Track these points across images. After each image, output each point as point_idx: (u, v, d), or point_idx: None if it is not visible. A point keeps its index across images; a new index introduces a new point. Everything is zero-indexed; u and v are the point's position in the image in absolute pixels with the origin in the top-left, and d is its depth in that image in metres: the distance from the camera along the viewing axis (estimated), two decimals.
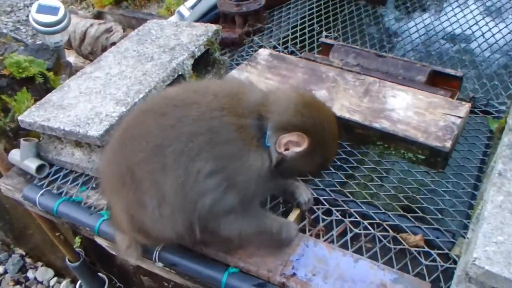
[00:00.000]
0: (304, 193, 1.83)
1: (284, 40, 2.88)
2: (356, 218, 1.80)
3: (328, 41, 2.64)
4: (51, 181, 2.08)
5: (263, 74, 2.34)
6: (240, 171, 1.40)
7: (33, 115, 2.04)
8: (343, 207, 1.84)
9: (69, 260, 2.60)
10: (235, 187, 1.41)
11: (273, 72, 2.35)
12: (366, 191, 1.90)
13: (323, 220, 1.82)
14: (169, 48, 2.36)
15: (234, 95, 1.46)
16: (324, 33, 2.86)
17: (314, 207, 1.85)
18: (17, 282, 3.18)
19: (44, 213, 2.09)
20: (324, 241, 1.74)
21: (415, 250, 1.68)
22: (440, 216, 1.79)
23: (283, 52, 2.72)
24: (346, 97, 2.17)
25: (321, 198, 1.87)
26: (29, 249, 3.40)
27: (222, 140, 1.38)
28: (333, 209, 1.84)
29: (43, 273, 3.24)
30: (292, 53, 2.73)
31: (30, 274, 3.23)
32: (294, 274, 1.60)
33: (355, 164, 2.04)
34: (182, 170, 1.37)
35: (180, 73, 2.26)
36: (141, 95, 2.05)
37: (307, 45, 2.81)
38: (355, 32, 3.00)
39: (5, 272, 3.24)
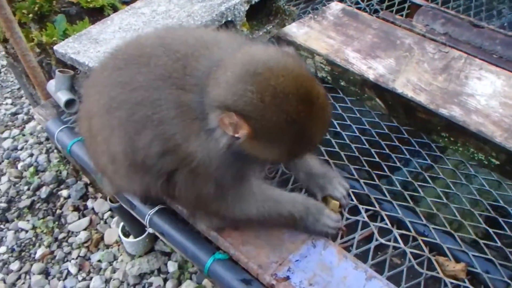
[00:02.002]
0: (340, 187, 1.50)
1: None
2: (386, 224, 1.44)
3: (418, 1, 2.17)
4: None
5: (325, 31, 1.98)
6: (190, 157, 1.16)
7: (67, 46, 1.91)
8: (375, 207, 1.48)
9: (110, 200, 2.53)
10: (197, 172, 1.19)
11: (338, 31, 1.98)
12: (409, 193, 1.51)
13: (347, 218, 1.48)
14: None
15: (187, 58, 1.18)
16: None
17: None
18: (76, 209, 3.23)
19: None
20: (340, 244, 1.41)
21: (452, 283, 1.30)
22: (499, 244, 1.37)
23: (364, 10, 2.30)
24: (416, 71, 1.75)
25: (350, 190, 1.52)
26: (93, 179, 3.44)
27: (164, 118, 1.15)
28: (361, 207, 1.49)
29: (100, 205, 3.26)
30: (375, 12, 2.29)
31: (89, 203, 3.26)
32: (287, 278, 1.31)
33: (407, 156, 1.64)
34: (128, 140, 1.22)
35: (229, 18, 1.98)
36: None
37: (396, 5, 2.34)
38: None
39: (69, 196, 3.31)
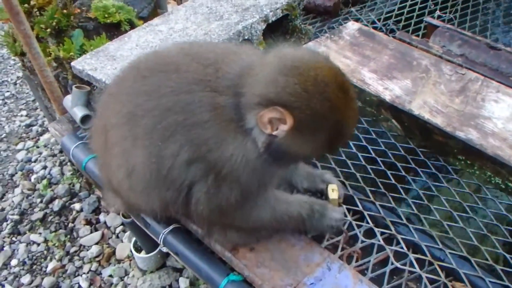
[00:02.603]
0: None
1: (387, 16, 2.44)
2: (402, 248, 1.42)
3: (434, 21, 2.17)
4: None
5: (342, 51, 1.98)
6: (221, 163, 1.15)
7: (84, 62, 1.93)
8: (390, 230, 1.47)
9: (123, 215, 2.53)
10: (225, 180, 1.17)
11: (354, 51, 1.98)
12: (425, 216, 1.50)
13: (362, 241, 1.47)
14: (243, 8, 2.09)
15: (217, 63, 1.19)
16: (438, 12, 2.36)
17: (354, 223, 1.50)
18: (88, 222, 3.23)
19: None
20: (355, 267, 1.40)
21: None
22: None
23: (380, 29, 2.30)
24: (433, 93, 1.74)
25: (366, 212, 1.51)
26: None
27: (197, 122, 1.14)
28: (377, 230, 1.48)
29: (112, 219, 3.26)
30: (391, 31, 2.29)
31: (102, 217, 3.26)
32: None
33: (423, 178, 1.63)
34: (154, 149, 1.19)
35: (246, 37, 1.99)
36: None
37: (412, 25, 2.34)
38: (476, 16, 2.44)
39: (81, 210, 3.32)
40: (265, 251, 1.41)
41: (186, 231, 1.54)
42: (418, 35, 2.24)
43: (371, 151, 1.71)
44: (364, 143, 1.74)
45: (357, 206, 1.53)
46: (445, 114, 1.66)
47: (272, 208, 1.34)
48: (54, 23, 2.50)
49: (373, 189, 1.57)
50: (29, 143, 3.80)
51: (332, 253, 1.43)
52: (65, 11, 2.54)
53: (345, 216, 1.49)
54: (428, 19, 2.21)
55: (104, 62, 1.90)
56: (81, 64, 1.91)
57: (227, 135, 1.13)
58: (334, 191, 1.49)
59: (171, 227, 1.53)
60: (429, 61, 1.89)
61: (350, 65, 1.91)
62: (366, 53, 1.96)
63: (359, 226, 1.50)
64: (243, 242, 1.41)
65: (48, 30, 2.51)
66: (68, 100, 2.04)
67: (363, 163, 1.67)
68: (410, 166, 1.66)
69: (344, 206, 1.52)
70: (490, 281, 1.31)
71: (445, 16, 2.34)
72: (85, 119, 1.96)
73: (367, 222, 1.50)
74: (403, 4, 2.51)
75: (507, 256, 1.39)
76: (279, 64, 1.09)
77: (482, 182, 1.59)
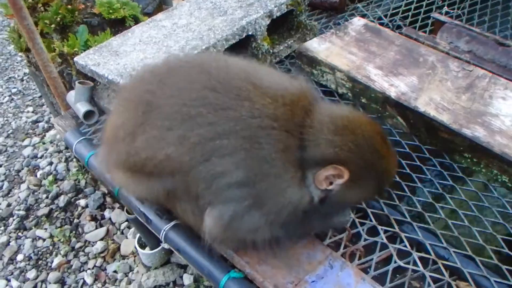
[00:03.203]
0: None
1: (394, 11, 2.41)
2: (405, 246, 1.40)
3: (442, 17, 2.14)
4: (98, 129, 1.96)
5: (347, 47, 1.96)
6: (273, 196, 1.18)
7: (87, 57, 1.92)
8: (394, 228, 1.45)
9: (127, 211, 2.53)
10: (262, 208, 1.20)
11: (360, 47, 1.95)
12: (430, 214, 1.48)
13: (365, 239, 1.45)
14: (248, 3, 2.07)
15: (295, 103, 1.20)
16: (445, 8, 2.33)
17: (357, 220, 1.49)
18: (94, 218, 3.24)
19: None
20: (358, 265, 1.38)
21: None
22: None
23: (387, 25, 2.27)
24: (439, 89, 1.71)
25: (369, 210, 1.50)
26: (110, 190, 3.46)
27: (262, 156, 1.14)
28: (380, 228, 1.46)
29: (117, 215, 3.26)
30: (398, 28, 2.26)
31: (107, 213, 3.27)
32: None
33: (428, 176, 1.60)
34: (202, 159, 1.15)
35: (250, 33, 1.97)
36: (195, 52, 1.82)
37: (419, 21, 2.31)
38: (485, 12, 2.41)
39: (86, 206, 3.32)
40: (268, 249, 1.39)
41: (188, 227, 1.53)
42: (425, 31, 2.20)
43: None
44: None
45: (360, 204, 1.50)
46: (451, 111, 1.63)
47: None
48: (58, 19, 2.50)
49: None
50: (35, 139, 3.81)
51: (335, 251, 1.41)
52: (69, 6, 2.54)
53: (350, 215, 1.48)
54: (435, 15, 2.18)
55: (107, 57, 1.89)
56: (84, 60, 1.91)
57: (291, 178, 1.17)
58: None
59: (172, 223, 1.52)
60: (436, 58, 1.86)
61: (356, 61, 1.88)
62: (372, 49, 1.94)
63: (362, 224, 1.48)
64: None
65: (53, 25, 2.51)
66: (71, 96, 2.03)
67: None
68: (415, 163, 1.63)
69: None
70: (495, 281, 1.29)
71: (453, 12, 2.31)
72: (88, 114, 1.96)
73: (370, 220, 1.48)
74: (410, 0, 2.48)
75: None
76: (331, 125, 1.17)
77: (489, 181, 1.57)
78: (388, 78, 1.78)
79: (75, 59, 1.94)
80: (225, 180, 1.16)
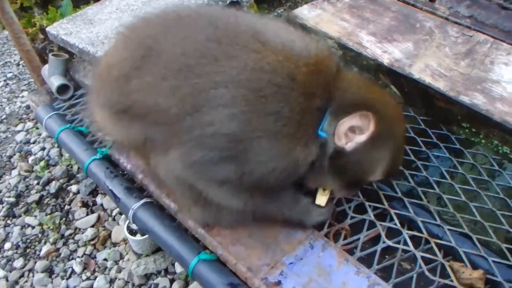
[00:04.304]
0: None
1: None
2: (395, 224, 1.26)
3: None
4: (72, 104, 1.84)
5: (339, 14, 1.81)
6: (266, 158, 1.06)
7: (59, 27, 1.81)
8: (383, 204, 1.31)
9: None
10: (244, 164, 1.07)
11: (353, 13, 1.81)
12: (422, 189, 1.33)
13: (352, 217, 1.32)
14: None
15: (319, 65, 1.08)
16: None
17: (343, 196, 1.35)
18: (85, 205, 3.12)
19: None
20: (343, 246, 1.25)
21: None
22: None
23: None
24: (436, 55, 1.57)
25: None
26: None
27: (269, 109, 1.02)
28: (368, 204, 1.32)
29: (109, 201, 3.14)
30: None
31: (99, 199, 3.15)
32: (278, 283, 1.16)
33: (422, 148, 1.46)
34: (192, 110, 1.04)
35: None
36: None
37: None
38: None
39: (78, 191, 3.22)
40: (243, 227, 1.27)
41: (158, 207, 1.41)
42: None
43: None
44: None
45: (368, 182, 1.36)
46: (448, 78, 1.48)
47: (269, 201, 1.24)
48: None
49: None
50: (29, 124, 3.70)
51: (318, 230, 1.28)
52: None
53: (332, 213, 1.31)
54: None
55: (81, 26, 1.77)
56: (56, 29, 1.79)
57: (302, 138, 1.07)
58: (323, 196, 1.29)
59: (141, 202, 1.40)
60: (434, 23, 1.71)
61: (347, 28, 1.74)
62: (366, 16, 1.79)
63: (349, 201, 1.35)
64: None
65: None
66: (46, 70, 1.91)
67: None
68: (409, 135, 1.49)
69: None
70: (493, 261, 1.15)
71: None
72: (62, 89, 1.84)
73: (358, 196, 1.34)
74: None
75: None
76: (360, 81, 1.16)
77: (489, 153, 1.42)
78: (382, 45, 1.64)
79: (47, 29, 1.83)
80: (212, 128, 1.03)
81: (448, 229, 1.23)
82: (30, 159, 3.42)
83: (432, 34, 1.66)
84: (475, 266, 1.16)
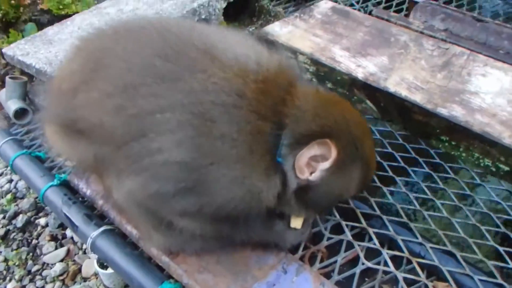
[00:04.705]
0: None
1: None
2: (375, 244, 1.17)
3: None
4: (31, 129, 1.73)
5: (311, 30, 1.75)
6: (225, 185, 0.95)
7: (16, 48, 1.71)
8: (361, 223, 1.22)
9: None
10: (203, 196, 0.97)
11: (326, 29, 1.75)
12: (402, 205, 1.25)
13: (328, 238, 1.22)
14: None
15: (271, 81, 0.98)
16: None
17: (318, 217, 1.26)
18: (54, 238, 2.98)
19: None
20: (320, 269, 1.15)
21: None
22: (511, 265, 1.10)
23: (359, 11, 2.08)
24: (412, 68, 1.51)
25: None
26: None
27: (220, 134, 0.92)
28: (345, 224, 1.23)
29: None
30: (370, 13, 2.07)
31: (68, 232, 3.00)
32: None
33: (401, 164, 1.38)
34: (138, 134, 0.95)
35: (203, 16, 1.77)
36: None
37: (393, 6, 2.12)
38: None
39: (47, 224, 3.08)
40: (210, 254, 1.16)
41: (120, 234, 1.30)
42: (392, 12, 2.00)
43: None
44: None
45: (343, 200, 1.27)
46: (425, 90, 1.42)
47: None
48: (0, 15, 2.29)
49: None
50: None
51: (291, 253, 1.18)
52: (13, 1, 2.33)
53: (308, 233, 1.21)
54: None
55: (39, 46, 1.68)
56: (13, 50, 1.70)
57: (259, 165, 0.96)
58: (297, 218, 1.17)
59: (101, 229, 1.29)
60: (409, 37, 1.66)
61: (320, 44, 1.68)
62: (339, 31, 1.74)
63: (325, 221, 1.26)
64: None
65: None
66: (3, 94, 1.81)
67: None
68: (386, 151, 1.42)
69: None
70: (480, 279, 1.06)
71: None
72: (20, 113, 1.73)
73: (334, 216, 1.25)
74: None
75: (500, 249, 1.14)
76: (317, 101, 1.01)
77: (470, 166, 1.35)
78: (356, 59, 1.58)
79: (3, 50, 1.73)
80: (162, 157, 0.94)
81: (431, 247, 1.14)
82: None
83: (407, 47, 1.61)
84: (460, 286, 1.07)
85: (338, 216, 1.24)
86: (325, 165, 0.97)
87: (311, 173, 0.98)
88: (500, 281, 1.06)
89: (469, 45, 1.63)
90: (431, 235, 1.20)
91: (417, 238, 1.17)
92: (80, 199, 1.44)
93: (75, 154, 1.14)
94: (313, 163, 0.97)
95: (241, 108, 0.92)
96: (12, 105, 1.73)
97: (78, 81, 1.04)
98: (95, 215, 1.36)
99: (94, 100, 1.00)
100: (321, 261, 1.18)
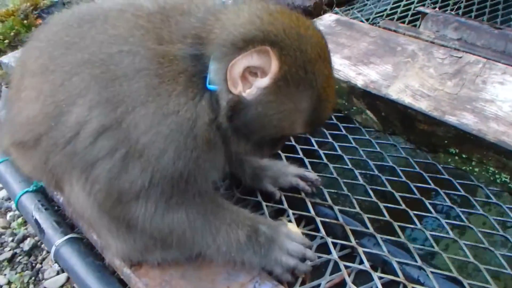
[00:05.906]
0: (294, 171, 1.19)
1: (378, 15, 2.09)
2: (365, 267, 1.00)
3: (427, 10, 1.82)
4: None
5: None
6: (147, 127, 0.84)
7: (12, 56, 1.68)
8: (350, 242, 1.05)
9: None
10: (140, 157, 0.85)
11: (328, 40, 1.63)
12: (400, 224, 1.08)
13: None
14: None
15: (165, 11, 0.91)
16: (436, 10, 1.99)
17: (304, 232, 1.10)
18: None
19: None
20: None
21: None
22: None
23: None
24: (419, 76, 1.37)
25: (319, 219, 1.11)
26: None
27: (123, 73, 0.84)
28: (331, 242, 1.07)
29: None
30: None
31: None
32: None
33: (402, 179, 1.22)
34: (56, 112, 0.90)
35: None
36: None
37: (406, 23, 1.98)
38: (485, 7, 2.05)
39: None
40: (175, 266, 1.03)
41: (88, 244, 1.18)
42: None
43: (337, 149, 1.33)
44: (331, 140, 1.37)
45: (308, 211, 1.13)
46: (432, 97, 1.28)
47: (196, 217, 0.96)
48: (12, 34, 2.30)
49: (332, 190, 1.18)
50: None
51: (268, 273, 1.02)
52: (25, 22, 2.34)
53: (309, 247, 1.02)
54: (421, 8, 1.84)
55: None
56: (8, 58, 1.66)
57: (174, 88, 0.84)
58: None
59: (66, 237, 1.18)
60: (418, 46, 1.53)
61: None
62: (341, 41, 1.62)
63: (311, 238, 1.10)
64: (137, 256, 1.03)
65: (6, 41, 2.31)
66: None
67: (325, 161, 1.28)
68: (386, 164, 1.26)
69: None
70: None
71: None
72: None
73: (320, 232, 1.09)
74: (397, 4, 2.16)
75: None
76: (259, 7, 0.87)
77: (484, 183, 1.17)
78: (356, 68, 1.46)
79: (0, 58, 1.69)
80: (84, 132, 0.87)
81: (432, 272, 0.96)
82: (9, 215, 3.24)
83: (415, 56, 1.47)
84: None
85: (324, 233, 1.08)
86: (264, 81, 0.82)
87: (245, 90, 0.83)
88: None
89: (486, 53, 1.49)
90: (433, 258, 1.03)
91: (415, 261, 0.99)
92: (56, 207, 1.37)
93: (28, 166, 1.11)
94: (249, 77, 0.83)
95: (137, 40, 0.86)
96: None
97: (13, 93, 1.05)
98: (66, 223, 1.27)
99: (24, 101, 0.99)
100: (303, 283, 1.02)
